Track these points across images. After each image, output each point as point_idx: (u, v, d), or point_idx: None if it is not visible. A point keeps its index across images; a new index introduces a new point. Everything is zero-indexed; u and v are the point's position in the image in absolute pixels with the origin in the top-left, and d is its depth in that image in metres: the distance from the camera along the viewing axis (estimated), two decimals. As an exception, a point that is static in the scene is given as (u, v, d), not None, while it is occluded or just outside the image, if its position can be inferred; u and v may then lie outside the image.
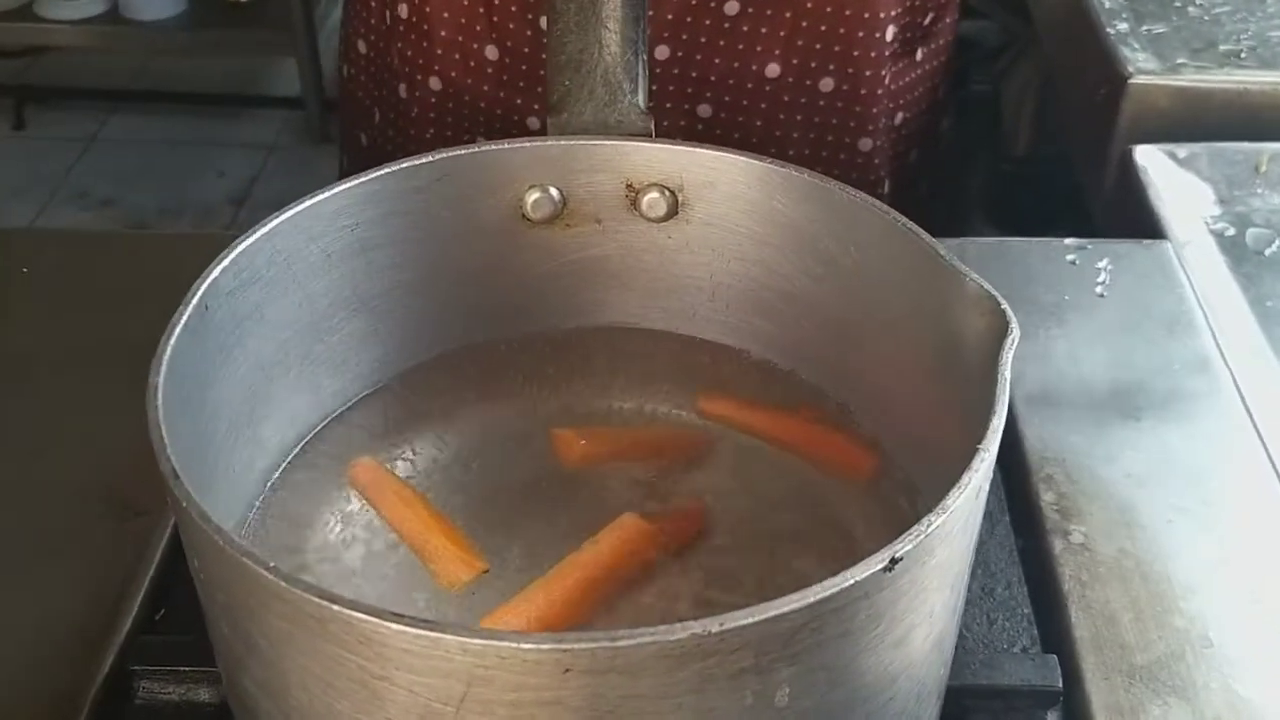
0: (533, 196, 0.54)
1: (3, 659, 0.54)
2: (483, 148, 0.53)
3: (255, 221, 0.47)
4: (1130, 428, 0.65)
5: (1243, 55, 0.96)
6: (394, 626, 0.33)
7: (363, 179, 0.50)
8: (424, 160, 0.51)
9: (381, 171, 0.51)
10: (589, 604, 0.45)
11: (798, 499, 0.52)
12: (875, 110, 0.85)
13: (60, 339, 0.70)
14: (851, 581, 0.34)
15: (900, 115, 0.89)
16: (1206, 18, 1.01)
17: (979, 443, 0.38)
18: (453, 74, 0.82)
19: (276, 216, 0.48)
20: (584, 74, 0.54)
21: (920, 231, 0.47)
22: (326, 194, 0.49)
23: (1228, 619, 0.56)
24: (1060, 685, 0.52)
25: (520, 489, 0.53)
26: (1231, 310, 0.75)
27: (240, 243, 0.46)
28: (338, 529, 0.50)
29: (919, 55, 0.89)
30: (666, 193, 0.54)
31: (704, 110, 0.82)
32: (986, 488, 0.41)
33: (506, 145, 0.53)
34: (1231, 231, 0.81)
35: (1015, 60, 1.35)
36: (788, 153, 0.84)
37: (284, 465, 0.51)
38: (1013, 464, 0.63)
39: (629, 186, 0.54)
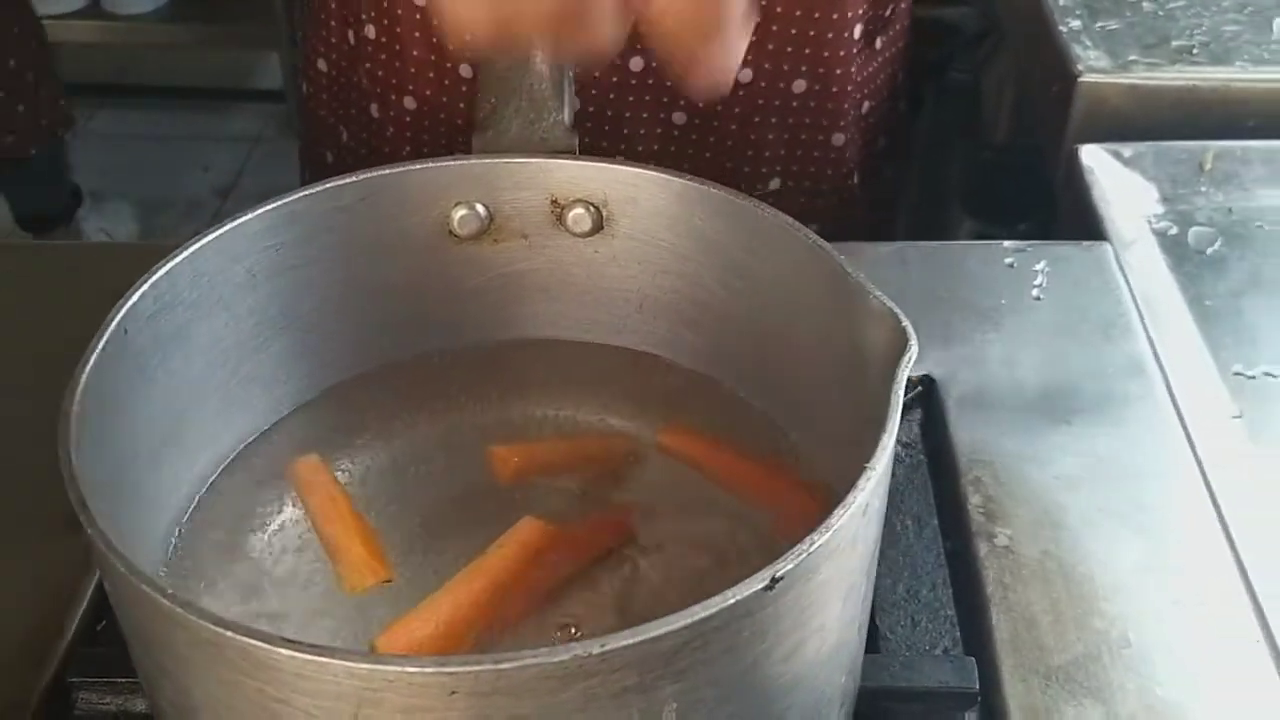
0: (459, 213, 0.55)
1: (-54, 670, 0.55)
2: (407, 167, 0.54)
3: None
4: (1061, 431, 0.66)
5: (1195, 51, 0.96)
6: (284, 652, 0.34)
7: (285, 199, 0.51)
8: (347, 180, 0.52)
9: (304, 192, 0.52)
10: (493, 608, 0.46)
11: (727, 510, 0.53)
12: (846, 105, 0.86)
13: (12, 351, 0.71)
14: (733, 600, 0.35)
15: (866, 104, 0.90)
16: (1161, 13, 1.01)
17: (866, 461, 0.39)
18: (427, 93, 0.82)
19: (198, 240, 0.49)
20: (510, 92, 0.55)
21: (829, 249, 0.48)
22: (249, 215, 0.50)
23: (1148, 620, 0.57)
24: (977, 687, 0.53)
25: (451, 501, 0.54)
26: (1170, 310, 0.76)
27: (160, 267, 0.47)
28: (269, 536, 0.52)
29: (878, 44, 0.90)
30: (591, 208, 0.55)
31: (678, 118, 0.83)
32: (878, 503, 0.42)
33: (431, 164, 0.54)
34: (1174, 230, 0.82)
35: (995, 49, 1.35)
36: (763, 154, 0.85)
37: (215, 477, 0.52)
38: (942, 467, 0.64)
39: (554, 202, 0.55)
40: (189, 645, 0.36)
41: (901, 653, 0.56)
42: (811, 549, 0.37)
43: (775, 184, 0.87)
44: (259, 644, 0.34)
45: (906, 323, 0.44)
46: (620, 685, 0.35)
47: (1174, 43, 0.97)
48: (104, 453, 0.43)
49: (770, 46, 0.81)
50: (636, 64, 0.80)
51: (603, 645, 0.34)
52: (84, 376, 0.43)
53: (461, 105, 0.82)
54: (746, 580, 0.36)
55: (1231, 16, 1.01)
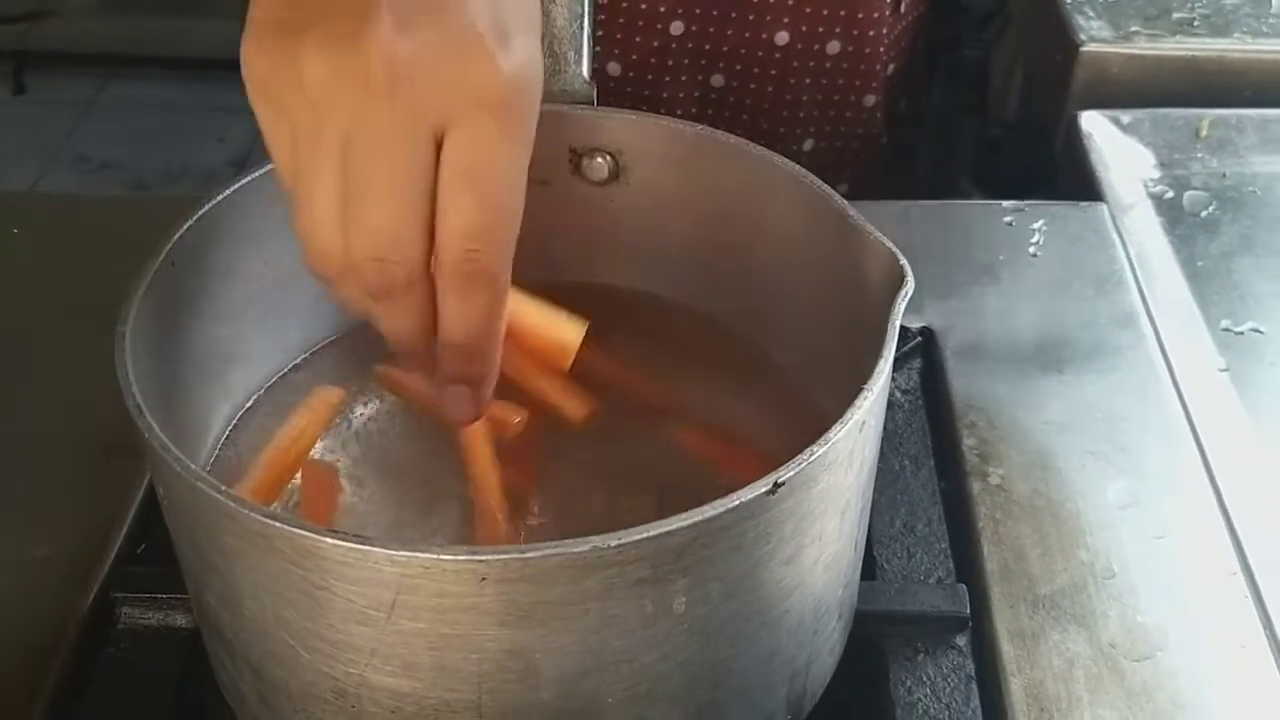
0: (482, 160, 0.58)
1: (-3, 587, 0.59)
2: (436, 114, 0.56)
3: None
4: (1053, 379, 0.69)
5: (1195, 23, 0.99)
6: (330, 541, 0.37)
7: (321, 144, 0.54)
8: (380, 125, 0.55)
9: (338, 137, 0.54)
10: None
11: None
12: (876, 66, 0.89)
13: (49, 297, 0.74)
14: (737, 502, 0.38)
15: (892, 66, 0.93)
16: (1163, -15, 1.03)
17: (864, 383, 0.42)
18: None
19: (240, 179, 0.52)
20: (531, 45, 0.58)
21: (832, 193, 0.51)
22: (287, 158, 0.53)
23: (1131, 553, 0.60)
24: (968, 612, 0.57)
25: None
26: (1164, 270, 0.79)
27: (205, 203, 0.50)
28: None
29: (902, 8, 0.92)
30: (607, 157, 0.58)
31: (716, 80, 0.86)
32: (874, 423, 0.45)
33: (458, 112, 0.57)
34: (1170, 194, 0.85)
35: (1005, 26, 1.38)
36: (798, 114, 0.88)
37: (248, 406, 0.56)
38: (939, 412, 0.68)
39: (572, 151, 0.58)
40: (239, 537, 0.39)
41: (898, 581, 0.59)
42: (811, 458, 0.40)
43: (809, 145, 0.90)
44: (306, 534, 0.37)
45: (903, 260, 0.47)
46: (635, 577, 0.38)
47: (1175, 15, 0.99)
48: (152, 376, 0.46)
49: (807, 9, 0.84)
50: (677, 28, 0.83)
51: (619, 539, 0.37)
52: (135, 302, 0.46)
53: None
54: (751, 485, 0.39)
55: (1232, -11, 1.03)
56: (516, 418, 0.53)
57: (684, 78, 0.85)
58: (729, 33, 0.84)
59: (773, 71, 0.85)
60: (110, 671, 0.55)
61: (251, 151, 2.45)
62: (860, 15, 0.85)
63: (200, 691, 0.55)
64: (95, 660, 0.56)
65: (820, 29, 0.85)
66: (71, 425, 0.66)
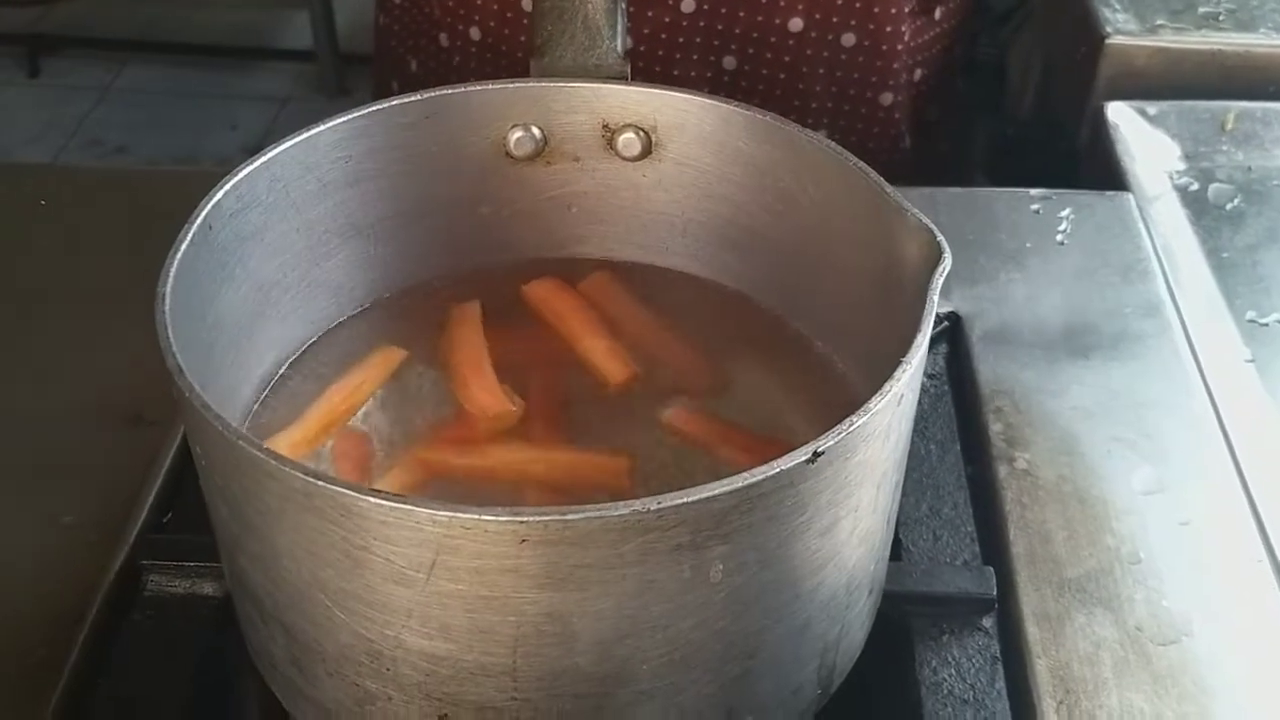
0: (515, 135, 0.58)
1: (24, 554, 0.59)
2: (469, 88, 0.57)
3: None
4: (1079, 365, 0.69)
5: (1221, 18, 0.99)
6: (372, 500, 0.37)
7: (355, 114, 0.54)
8: (413, 98, 0.55)
9: (374, 107, 0.55)
10: None
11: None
12: (895, 65, 0.88)
13: (76, 267, 0.75)
14: (777, 470, 0.38)
15: (919, 72, 0.92)
16: (1189, -21, 1.03)
17: (903, 356, 0.42)
18: (491, 24, 0.85)
19: (276, 146, 0.52)
20: (566, 20, 0.58)
21: (868, 170, 0.51)
22: (322, 127, 0.53)
23: (1156, 539, 0.60)
24: (994, 594, 0.57)
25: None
26: (1189, 260, 0.79)
27: (242, 169, 0.50)
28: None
29: (937, 14, 0.92)
30: (640, 133, 0.58)
31: (729, 62, 0.85)
32: (911, 397, 0.45)
33: (491, 86, 0.57)
34: (1195, 186, 0.85)
35: (1022, 25, 1.38)
36: (810, 105, 0.88)
37: (280, 373, 0.56)
38: (966, 396, 0.68)
39: (605, 127, 0.58)
40: (279, 496, 0.39)
41: (924, 562, 0.59)
42: (851, 429, 0.40)
43: (822, 135, 0.89)
44: (348, 492, 0.37)
45: (940, 236, 0.47)
46: (674, 542, 0.38)
47: (1200, 9, 0.99)
48: (188, 339, 0.46)
49: None
50: (688, 5, 0.82)
51: (659, 503, 0.37)
52: (174, 264, 0.46)
53: (522, 39, 0.84)
54: (791, 453, 0.39)
55: (1258, -15, 1.03)
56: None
57: (695, 57, 0.84)
58: (741, 14, 0.83)
59: (786, 58, 0.85)
60: (137, 638, 0.56)
61: (264, 140, 2.45)
62: (877, 10, 0.85)
63: (227, 659, 0.55)
64: (122, 627, 0.56)
65: (835, 19, 0.84)
66: (99, 394, 0.66)
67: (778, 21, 0.84)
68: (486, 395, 0.54)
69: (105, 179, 0.87)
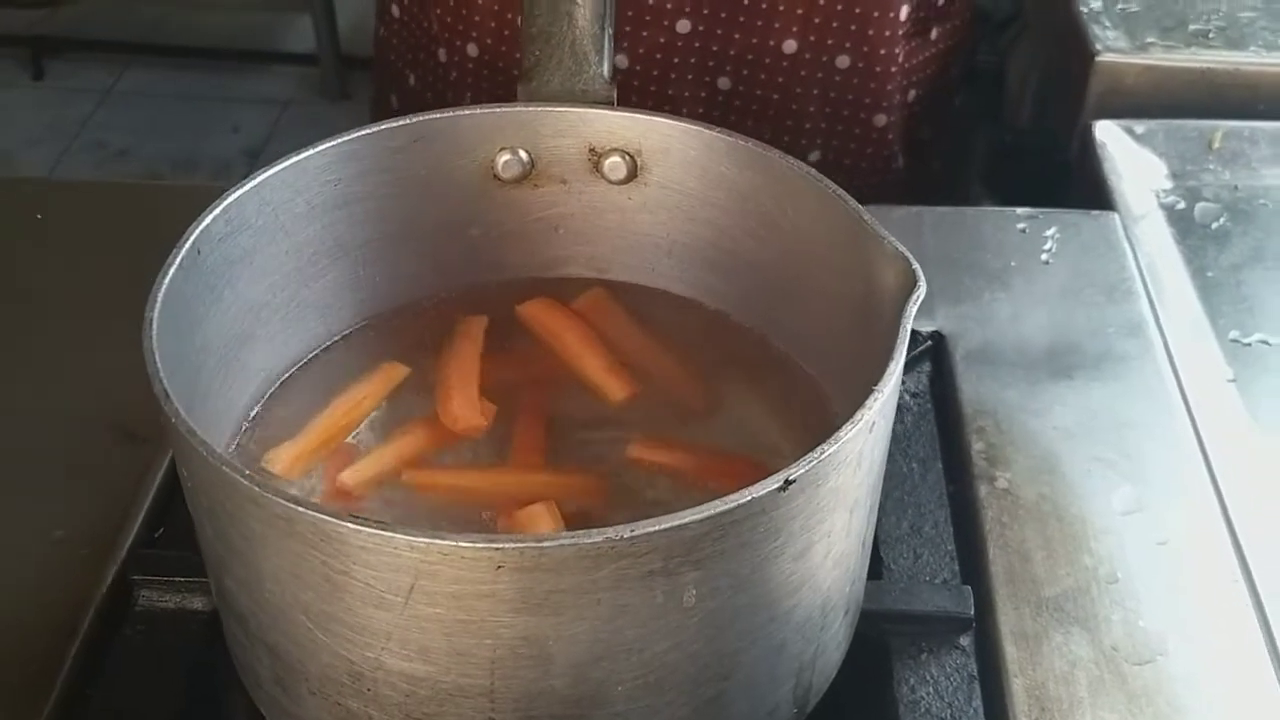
0: (503, 158, 0.59)
1: (16, 567, 0.60)
2: (457, 112, 0.57)
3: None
4: (1062, 385, 0.70)
5: (1211, 35, 0.99)
6: (351, 525, 0.38)
7: (344, 138, 0.55)
8: (402, 123, 0.56)
9: (362, 132, 0.56)
10: None
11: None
12: (889, 87, 0.89)
13: (70, 281, 0.75)
14: (749, 498, 0.39)
15: (913, 92, 0.92)
16: (1180, -2, 1.04)
17: (875, 384, 0.43)
18: (488, 41, 0.86)
19: (264, 170, 0.53)
20: (553, 45, 0.59)
21: (846, 196, 0.52)
22: (311, 151, 0.54)
23: (1134, 558, 0.61)
24: (972, 613, 0.58)
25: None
26: (1173, 279, 0.80)
27: (231, 193, 0.51)
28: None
29: (933, 34, 0.92)
30: (626, 157, 0.59)
31: (723, 83, 0.86)
32: (884, 424, 0.46)
33: (480, 110, 0.58)
34: (1181, 205, 0.86)
35: (1021, 34, 1.38)
36: (804, 126, 0.88)
37: (270, 393, 0.57)
38: (948, 416, 0.68)
39: (592, 150, 0.59)
40: (261, 521, 0.40)
41: (903, 581, 0.60)
42: (822, 456, 0.41)
43: (815, 156, 0.90)
44: (327, 519, 0.38)
45: (916, 265, 0.48)
46: (647, 568, 0.39)
47: (1191, 26, 1.00)
48: (176, 362, 0.46)
49: (816, 20, 0.84)
50: (684, 26, 0.83)
51: (632, 530, 0.38)
52: (162, 289, 0.47)
53: (518, 56, 0.85)
54: (763, 481, 0.40)
55: (1249, 3, 1.04)
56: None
57: (690, 77, 0.85)
58: (736, 36, 0.84)
59: (780, 79, 0.86)
60: (127, 653, 0.56)
61: (265, 144, 2.47)
62: (871, 32, 0.85)
63: (216, 673, 0.56)
64: (113, 640, 0.57)
65: (829, 41, 0.85)
66: (92, 410, 0.67)
67: (772, 43, 0.85)
68: (462, 407, 0.55)
69: (102, 192, 0.88)
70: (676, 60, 0.84)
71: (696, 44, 0.84)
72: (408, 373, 0.58)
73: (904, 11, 0.86)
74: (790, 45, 0.84)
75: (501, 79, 0.87)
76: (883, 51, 0.86)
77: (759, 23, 0.84)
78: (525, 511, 0.50)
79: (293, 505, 0.39)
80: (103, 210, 0.82)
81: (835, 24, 0.84)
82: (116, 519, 0.61)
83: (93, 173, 2.35)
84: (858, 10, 0.84)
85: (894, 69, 0.88)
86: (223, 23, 2.71)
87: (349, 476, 0.53)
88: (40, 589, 0.59)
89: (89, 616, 0.57)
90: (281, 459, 0.53)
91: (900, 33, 0.87)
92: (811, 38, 0.84)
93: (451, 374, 0.58)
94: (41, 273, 0.77)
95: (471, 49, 0.87)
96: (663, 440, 0.55)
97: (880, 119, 0.90)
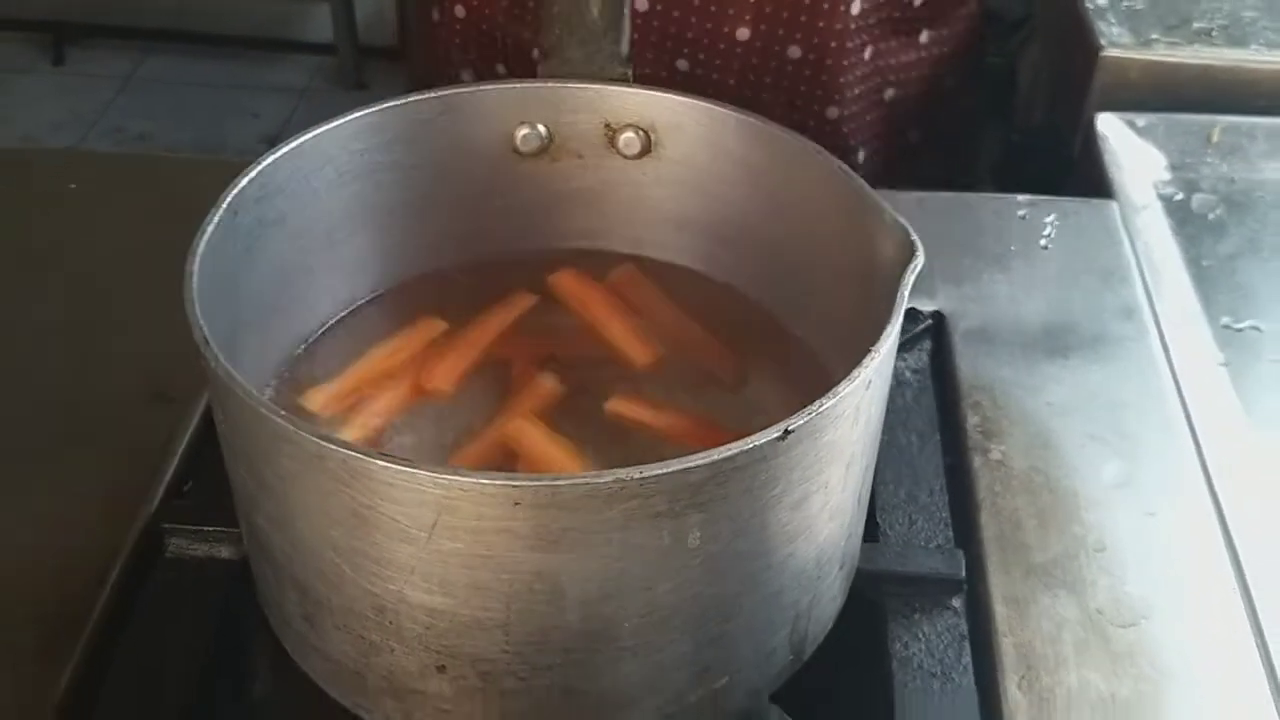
0: (523, 132, 0.62)
1: (51, 515, 0.63)
2: (480, 87, 0.60)
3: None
4: (1057, 364, 0.72)
5: (1213, 33, 1.02)
6: (379, 462, 0.41)
7: (372, 109, 0.58)
8: (427, 96, 0.59)
9: (389, 104, 0.58)
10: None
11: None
12: (842, 80, 0.90)
13: (105, 249, 0.78)
14: (750, 445, 0.42)
15: (890, 91, 0.94)
16: (1185, -5, 1.06)
17: (872, 344, 0.46)
18: (474, 3, 0.90)
19: (297, 138, 0.55)
20: (573, 26, 0.61)
21: (850, 172, 0.55)
22: (340, 121, 0.57)
23: (1123, 529, 0.63)
24: (963, 575, 0.60)
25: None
26: (1169, 267, 0.82)
27: (265, 158, 0.54)
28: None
29: (923, 38, 0.94)
30: (641, 133, 0.61)
31: (682, 65, 0.88)
32: (880, 382, 0.48)
33: (502, 85, 0.61)
34: (1179, 196, 0.88)
35: (1031, 34, 1.40)
36: (759, 113, 0.91)
37: (301, 348, 0.59)
38: (946, 391, 0.71)
39: (608, 126, 0.62)
40: (293, 459, 0.43)
41: (898, 545, 0.62)
42: (820, 409, 0.43)
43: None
44: (357, 455, 0.41)
45: (914, 235, 0.50)
46: (654, 509, 0.42)
47: (1195, 24, 1.02)
48: (213, 317, 0.49)
49: (767, 9, 0.86)
50: (642, 4, 0.86)
51: (641, 472, 0.41)
52: (201, 244, 0.50)
53: (500, 20, 0.89)
54: (764, 430, 0.42)
55: (1252, 3, 1.06)
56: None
57: (650, 55, 0.87)
58: (692, 20, 0.87)
59: (735, 66, 0.88)
60: (157, 598, 0.59)
61: (283, 131, 2.49)
62: (821, 24, 0.87)
63: (243, 620, 0.58)
64: (143, 587, 0.60)
65: (780, 31, 0.87)
66: (125, 373, 0.70)
67: (725, 30, 0.87)
68: (443, 371, 0.59)
69: (131, 165, 0.91)
70: (638, 37, 0.87)
71: (655, 23, 0.87)
72: (445, 328, 0.61)
73: (856, 6, 0.88)
74: (744, 33, 0.87)
75: (484, 40, 0.91)
76: (833, 44, 0.88)
77: (712, 9, 0.86)
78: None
79: (324, 442, 0.41)
80: (132, 182, 0.85)
81: (786, 15, 0.86)
82: (147, 474, 0.64)
83: (112, 158, 2.37)
84: (807, 2, 0.86)
85: (847, 62, 0.89)
86: (242, 11, 2.73)
87: (310, 399, 0.57)
88: (73, 536, 0.61)
89: (120, 563, 0.60)
90: (317, 399, 0.56)
91: (853, 27, 0.89)
92: (763, 27, 0.87)
93: (460, 340, 0.60)
94: (75, 240, 0.79)
95: (459, 10, 0.91)
96: (643, 398, 0.58)
97: (833, 111, 0.92)
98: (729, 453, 0.41)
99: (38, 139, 2.41)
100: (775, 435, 0.42)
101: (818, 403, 0.43)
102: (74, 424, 0.68)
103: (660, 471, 0.41)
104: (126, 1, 2.69)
